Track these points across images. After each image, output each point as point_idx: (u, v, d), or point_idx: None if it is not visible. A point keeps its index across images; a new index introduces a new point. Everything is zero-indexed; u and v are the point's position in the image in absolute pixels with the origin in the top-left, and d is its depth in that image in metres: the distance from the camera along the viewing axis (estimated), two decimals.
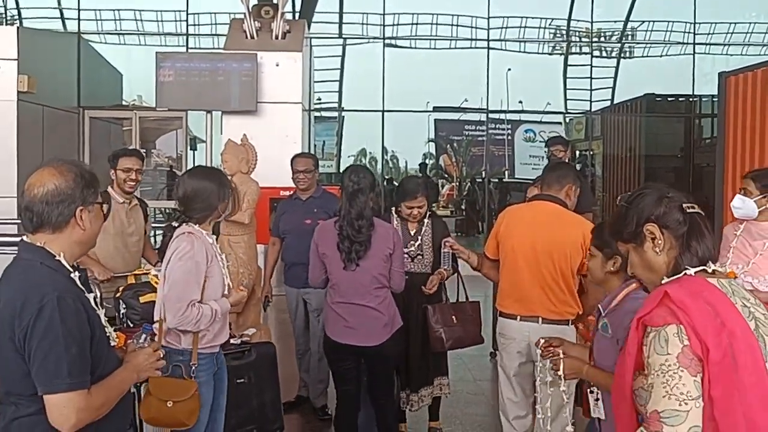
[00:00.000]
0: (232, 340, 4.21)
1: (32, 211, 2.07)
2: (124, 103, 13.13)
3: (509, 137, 16.45)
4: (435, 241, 4.41)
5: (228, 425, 3.96)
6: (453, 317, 4.28)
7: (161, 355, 2.33)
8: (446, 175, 17.48)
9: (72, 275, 2.10)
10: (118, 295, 4.36)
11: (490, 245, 3.87)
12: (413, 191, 4.39)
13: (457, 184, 16.64)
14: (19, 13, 13.87)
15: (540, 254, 3.62)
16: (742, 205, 3.76)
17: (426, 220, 4.48)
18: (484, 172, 15.45)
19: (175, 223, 3.27)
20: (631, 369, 1.72)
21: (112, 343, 2.21)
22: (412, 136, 16.43)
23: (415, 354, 4.40)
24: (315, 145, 14.25)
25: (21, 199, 2.10)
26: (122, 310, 4.27)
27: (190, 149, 12.61)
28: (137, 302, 4.21)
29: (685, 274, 1.77)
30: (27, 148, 8.91)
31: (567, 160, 6.26)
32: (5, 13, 13.74)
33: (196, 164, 11.65)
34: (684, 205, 1.84)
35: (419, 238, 4.44)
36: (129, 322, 4.23)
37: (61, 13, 13.24)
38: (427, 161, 17.03)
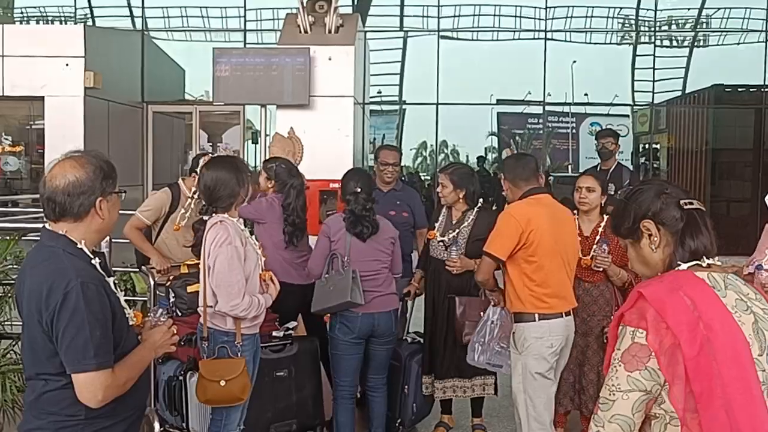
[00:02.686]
0: (274, 333, 4.25)
1: (55, 202, 2.18)
2: (187, 98, 13.42)
3: (574, 131, 16.08)
4: (473, 234, 4.39)
5: (265, 418, 4.01)
6: (481, 313, 4.20)
7: (175, 332, 2.43)
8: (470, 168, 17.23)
9: (93, 261, 2.22)
10: (168, 284, 4.47)
11: (507, 247, 3.65)
12: (446, 167, 4.60)
13: None
14: (92, 12, 14.31)
15: (563, 252, 3.72)
16: None
17: (471, 213, 4.47)
18: (543, 166, 15.18)
19: (205, 217, 3.40)
20: (610, 357, 1.80)
21: (130, 323, 2.33)
22: (474, 130, 16.24)
23: (439, 342, 4.44)
24: (374, 139, 14.30)
25: (43, 190, 2.21)
26: (171, 299, 4.37)
27: (252, 143, 12.79)
28: (185, 292, 4.29)
29: (677, 269, 1.77)
30: (93, 142, 9.22)
31: (617, 153, 6.18)
32: (75, 13, 14.19)
33: (256, 158, 11.94)
34: (682, 202, 1.82)
35: (458, 229, 4.46)
36: (177, 312, 4.31)
37: (131, 11, 13.60)
38: (488, 155, 16.82)
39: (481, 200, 4.55)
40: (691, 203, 1.82)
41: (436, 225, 4.58)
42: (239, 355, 3.35)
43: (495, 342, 4.03)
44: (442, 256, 4.45)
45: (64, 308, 2.07)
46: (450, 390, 4.50)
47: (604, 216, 4.35)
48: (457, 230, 4.46)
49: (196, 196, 4.94)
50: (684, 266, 1.76)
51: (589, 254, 4.25)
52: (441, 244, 4.49)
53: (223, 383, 3.28)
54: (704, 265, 1.77)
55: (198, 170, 4.90)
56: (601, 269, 4.22)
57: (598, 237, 4.29)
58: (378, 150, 5.45)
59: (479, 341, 4.07)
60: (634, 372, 1.66)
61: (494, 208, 9.32)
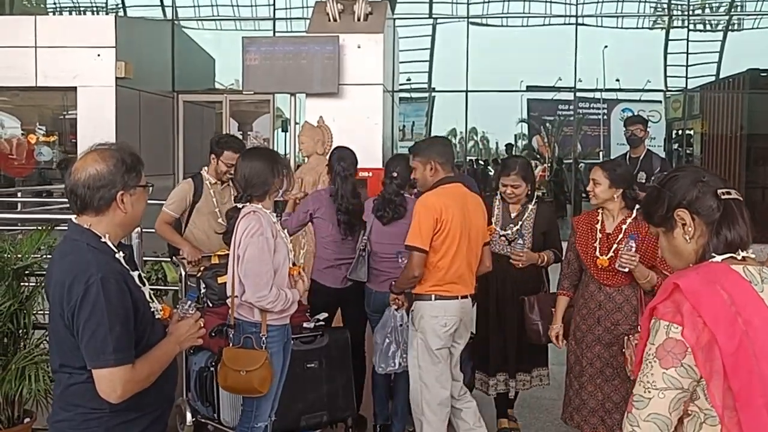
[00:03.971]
0: (305, 324, 4.25)
1: (76, 195, 2.18)
2: (217, 87, 13.47)
3: (605, 117, 15.86)
4: (537, 227, 4.34)
5: (295, 409, 4.02)
6: (553, 309, 4.07)
7: (202, 325, 2.41)
8: (539, 156, 17.07)
9: (117, 255, 2.21)
10: (199, 275, 4.49)
11: (427, 237, 3.69)
12: (508, 167, 4.38)
13: (549, 165, 16.20)
14: (123, 2, 14.42)
15: (471, 239, 3.79)
16: None
17: (531, 205, 4.39)
18: (573, 153, 15.01)
19: (239, 205, 3.46)
20: (642, 353, 1.75)
21: (157, 316, 2.32)
22: (504, 117, 16.10)
23: (511, 341, 4.37)
24: (404, 126, 14.24)
25: (67, 182, 2.21)
26: (202, 290, 4.40)
27: (282, 131, 12.82)
28: (215, 282, 4.31)
29: (711, 261, 1.70)
30: (125, 131, 9.33)
31: (647, 140, 6.08)
32: (107, 3, 14.31)
33: (285, 146, 11.98)
34: (719, 191, 1.74)
35: (519, 222, 4.36)
36: (208, 303, 4.33)
37: (161, 1, 13.67)
38: (517, 142, 16.67)
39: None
40: (729, 192, 1.74)
41: (493, 220, 4.39)
42: (264, 347, 3.34)
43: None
44: (505, 251, 4.34)
45: (84, 302, 2.07)
46: (519, 384, 4.47)
47: (634, 212, 3.78)
48: (519, 223, 4.37)
49: (217, 183, 4.97)
50: (718, 258, 1.69)
51: (607, 254, 3.73)
52: (503, 239, 4.37)
53: (243, 373, 3.30)
54: (739, 258, 1.70)
55: (215, 150, 4.95)
56: (626, 269, 3.59)
57: (620, 235, 3.76)
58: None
59: (394, 342, 4.10)
60: (670, 369, 1.61)
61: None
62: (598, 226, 3.81)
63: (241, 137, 12.88)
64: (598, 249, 3.76)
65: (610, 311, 3.75)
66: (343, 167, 4.53)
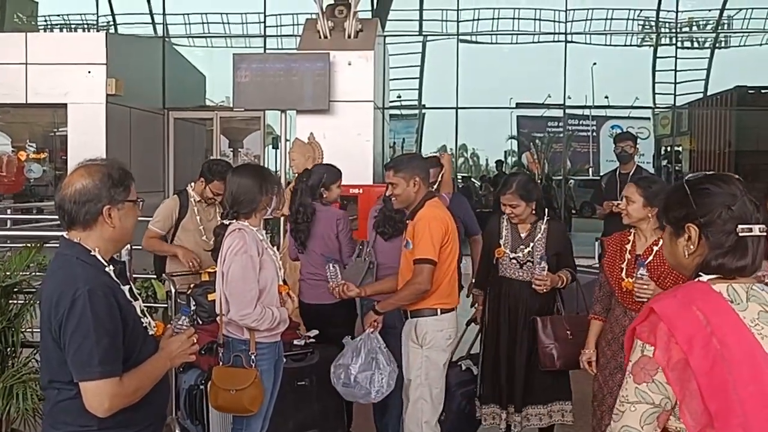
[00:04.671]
0: (296, 341, 4.23)
1: (63, 210, 2.18)
2: (207, 104, 13.48)
3: (594, 133, 15.97)
4: (549, 248, 3.99)
5: (286, 428, 3.98)
6: (568, 332, 3.85)
7: (195, 341, 2.37)
8: (528, 173, 17.19)
9: (107, 269, 2.19)
10: (189, 292, 4.47)
11: (437, 249, 3.62)
12: (505, 185, 4.06)
13: (539, 181, 16.30)
14: (114, 19, 14.45)
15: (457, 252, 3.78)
16: None
17: (541, 224, 4.04)
18: (562, 170, 15.10)
19: (226, 221, 3.44)
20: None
21: (150, 332, 2.29)
22: (494, 134, 16.19)
23: (519, 369, 3.98)
24: (394, 143, 14.29)
25: (56, 197, 2.22)
26: (192, 307, 4.37)
27: (273, 148, 12.84)
28: (205, 300, 4.28)
29: (698, 280, 1.69)
30: (115, 148, 9.30)
31: (637, 156, 6.10)
32: (98, 21, 14.33)
33: (276, 163, 11.97)
34: (740, 227, 1.66)
35: (530, 243, 4.02)
36: (198, 320, 4.30)
37: (152, 18, 13.71)
38: (507, 159, 16.76)
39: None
40: (751, 230, 1.66)
41: (501, 241, 4.09)
42: (254, 365, 3.30)
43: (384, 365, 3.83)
44: (517, 275, 4.02)
45: (71, 315, 2.06)
46: (534, 418, 4.03)
47: None
48: (531, 244, 4.02)
49: (202, 201, 4.97)
50: (705, 278, 1.67)
51: (633, 276, 3.47)
52: (514, 261, 4.04)
53: (233, 392, 3.25)
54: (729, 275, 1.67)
55: (206, 175, 4.92)
56: (644, 299, 3.27)
57: (650, 257, 3.47)
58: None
59: (377, 371, 3.80)
60: (642, 384, 1.64)
61: None
62: (628, 247, 3.55)
63: (232, 154, 12.95)
64: (624, 270, 3.51)
65: None
66: (305, 183, 4.56)
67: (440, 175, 4.89)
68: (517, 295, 4.01)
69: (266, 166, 11.13)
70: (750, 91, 14.01)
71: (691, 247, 1.71)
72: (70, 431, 2.17)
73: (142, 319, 2.27)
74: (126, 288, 2.24)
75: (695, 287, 1.68)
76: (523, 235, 4.05)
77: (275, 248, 3.54)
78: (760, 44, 13.89)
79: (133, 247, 4.62)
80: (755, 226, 1.67)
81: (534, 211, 4.03)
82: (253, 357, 3.32)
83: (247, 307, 3.22)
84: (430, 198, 3.78)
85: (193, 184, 5.05)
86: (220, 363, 3.45)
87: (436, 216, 3.68)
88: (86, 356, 2.05)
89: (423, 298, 3.69)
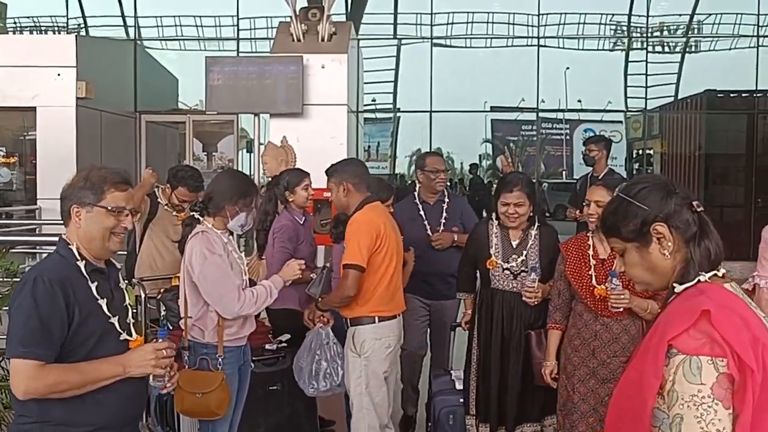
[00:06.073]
0: (267, 346, 4.20)
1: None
2: (180, 107, 13.38)
3: (567, 137, 16.12)
4: (543, 255, 3.76)
5: None
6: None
7: (164, 354, 2.28)
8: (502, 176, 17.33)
9: (78, 262, 2.24)
10: (159, 297, 4.42)
11: (366, 255, 3.54)
12: (510, 183, 3.77)
13: None
14: (85, 22, 14.29)
15: (398, 257, 3.73)
16: None
17: (532, 231, 3.80)
18: (536, 173, 15.21)
19: (196, 214, 3.42)
20: (655, 392, 1.51)
21: (123, 337, 2.31)
22: (468, 137, 16.27)
23: (513, 386, 3.77)
24: (369, 146, 14.29)
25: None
26: (162, 312, 4.33)
27: (247, 152, 12.76)
28: (175, 305, 4.24)
29: (699, 281, 1.58)
30: (86, 152, 9.15)
31: (605, 160, 6.03)
32: (68, 23, 14.17)
33: (250, 167, 11.90)
34: (693, 203, 1.64)
35: (523, 252, 3.79)
36: (169, 325, 4.26)
37: (124, 21, 13.58)
38: (482, 162, 16.83)
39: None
40: (700, 205, 1.64)
41: (492, 251, 3.83)
42: (220, 368, 3.28)
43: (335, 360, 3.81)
44: (511, 286, 3.77)
45: (16, 298, 2.15)
46: None
47: None
48: (524, 252, 3.79)
49: (170, 207, 4.95)
50: (705, 277, 1.58)
51: (605, 282, 3.33)
52: (507, 272, 3.79)
53: (199, 396, 3.23)
54: (720, 275, 1.60)
55: (171, 181, 4.89)
56: (620, 309, 3.23)
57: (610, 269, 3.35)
58: (422, 158, 4.92)
59: (324, 360, 3.81)
60: (730, 408, 1.43)
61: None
62: (590, 252, 3.43)
63: (206, 158, 12.83)
64: (594, 278, 3.36)
65: (606, 342, 3.36)
66: (273, 190, 4.57)
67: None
68: (511, 309, 3.77)
69: (240, 169, 11.05)
70: (719, 95, 14.21)
71: (669, 243, 1.62)
72: (17, 423, 2.22)
73: (111, 320, 2.27)
74: (93, 285, 2.25)
75: (712, 287, 1.56)
76: (514, 244, 3.81)
77: (244, 254, 3.55)
78: (729, 49, 14.11)
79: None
80: (699, 202, 1.66)
81: (530, 214, 3.82)
82: (220, 360, 3.30)
83: (233, 305, 3.23)
84: (369, 202, 3.72)
85: (160, 187, 5.01)
86: (186, 367, 3.41)
87: (367, 220, 3.62)
88: (12, 334, 2.12)
89: (358, 305, 3.62)
